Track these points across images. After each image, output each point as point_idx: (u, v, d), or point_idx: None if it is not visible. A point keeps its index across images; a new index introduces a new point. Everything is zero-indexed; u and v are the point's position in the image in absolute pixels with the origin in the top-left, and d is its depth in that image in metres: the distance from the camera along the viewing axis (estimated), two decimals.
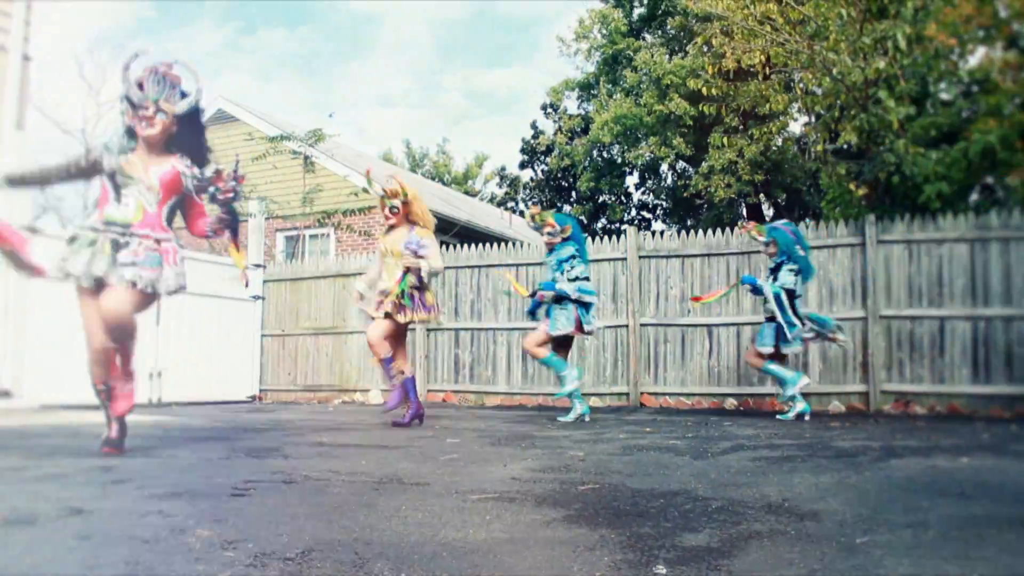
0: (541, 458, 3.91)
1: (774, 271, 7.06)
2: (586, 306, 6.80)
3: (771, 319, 7.03)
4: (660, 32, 21.43)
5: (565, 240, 6.96)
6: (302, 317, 11.17)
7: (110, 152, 4.00)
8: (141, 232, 3.90)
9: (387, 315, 6.05)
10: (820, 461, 3.80)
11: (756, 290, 7.09)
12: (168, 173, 3.95)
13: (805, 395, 8.44)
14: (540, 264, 9.90)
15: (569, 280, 6.76)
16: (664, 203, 24.11)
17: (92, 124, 37.91)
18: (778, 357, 7.13)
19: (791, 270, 6.98)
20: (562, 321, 6.74)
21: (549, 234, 7.00)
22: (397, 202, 6.31)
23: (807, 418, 6.92)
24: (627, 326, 9.30)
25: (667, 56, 19.19)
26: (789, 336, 6.93)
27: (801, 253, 7.09)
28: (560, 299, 6.77)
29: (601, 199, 24.06)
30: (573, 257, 6.86)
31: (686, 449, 4.38)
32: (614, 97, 20.23)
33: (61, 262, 3.94)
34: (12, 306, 7.80)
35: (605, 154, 22.69)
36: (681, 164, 21.85)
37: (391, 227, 6.39)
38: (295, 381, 11.23)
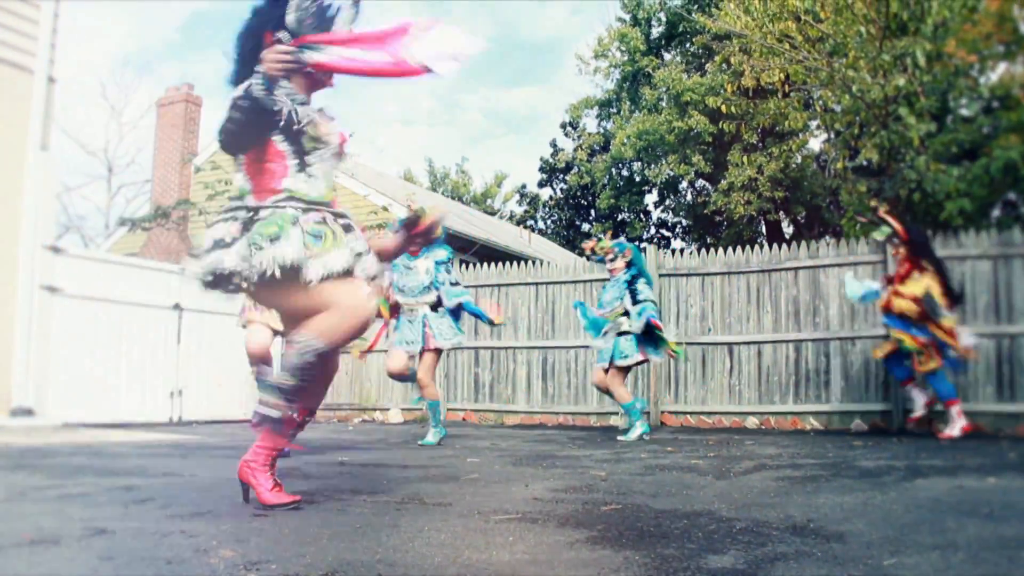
0: (563, 478, 3.89)
1: (630, 284, 6.91)
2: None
3: (625, 332, 6.82)
4: (679, 50, 21.46)
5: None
6: None
7: (296, 103, 2.88)
8: (337, 211, 2.99)
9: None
10: (844, 481, 3.76)
11: (595, 325, 7.00)
12: (341, 136, 3.07)
13: (828, 413, 8.38)
14: (559, 283, 9.90)
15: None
16: (684, 221, 24.08)
17: (115, 144, 38.39)
18: (623, 371, 6.92)
19: (647, 283, 6.96)
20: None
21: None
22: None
23: (646, 438, 6.82)
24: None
25: (685, 74, 19.21)
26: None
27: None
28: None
29: (620, 217, 24.05)
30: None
31: (708, 469, 4.34)
32: (635, 115, 20.26)
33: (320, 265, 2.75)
34: (35, 324, 7.88)
35: (625, 171, 22.71)
36: (700, 182, 21.82)
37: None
38: None
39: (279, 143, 2.85)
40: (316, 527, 2.49)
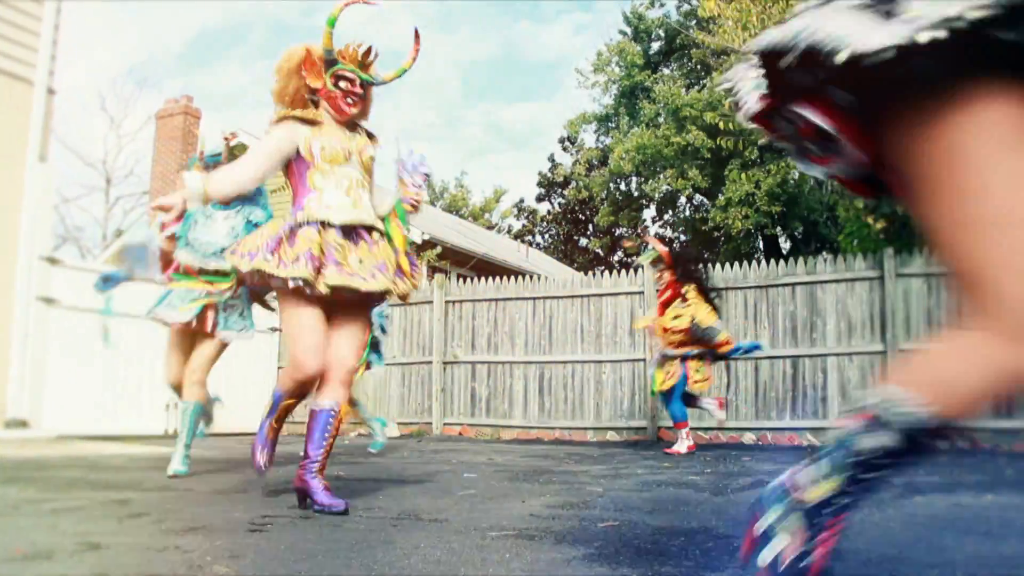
0: (560, 494, 3.88)
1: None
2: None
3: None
4: (677, 65, 21.54)
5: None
6: None
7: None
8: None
9: None
10: None
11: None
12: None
13: (825, 429, 8.37)
14: (557, 298, 9.90)
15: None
16: (681, 236, 24.11)
17: (113, 156, 38.43)
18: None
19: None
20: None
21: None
22: None
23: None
24: (644, 360, 9.26)
25: (684, 89, 19.28)
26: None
27: None
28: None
29: (618, 232, 24.08)
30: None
31: (705, 485, 4.33)
32: (633, 130, 20.32)
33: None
34: (31, 335, 7.86)
35: (623, 186, 22.76)
36: (698, 197, 21.86)
37: None
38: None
39: None
40: (311, 543, 2.48)
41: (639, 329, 7.96)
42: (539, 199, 29.47)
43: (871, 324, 8.43)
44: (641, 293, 9.44)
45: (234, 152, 4.63)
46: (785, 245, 20.23)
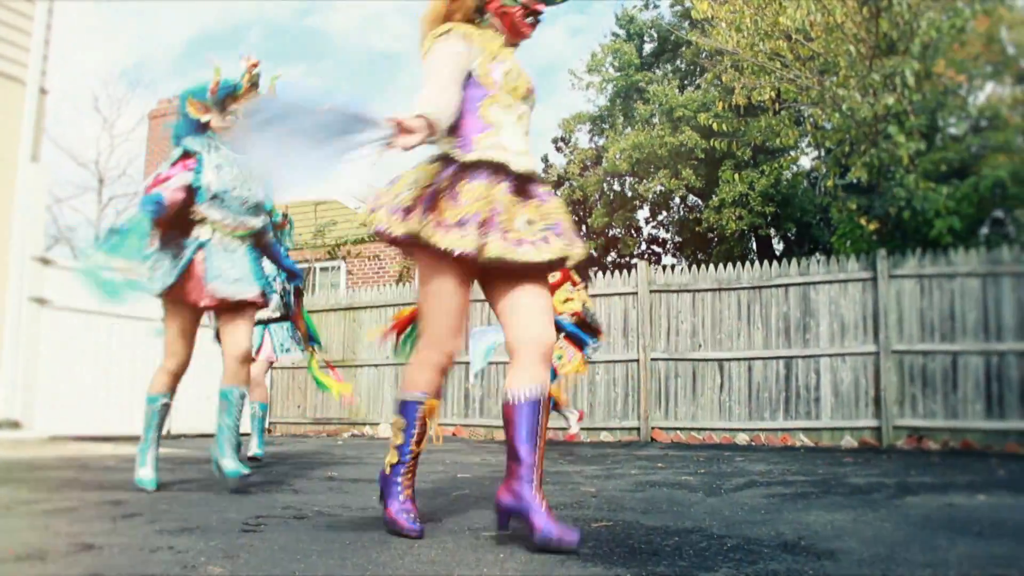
0: (553, 494, 3.88)
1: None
2: None
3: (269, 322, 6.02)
4: (671, 65, 21.57)
5: None
6: None
7: None
8: None
9: None
10: (835, 498, 3.76)
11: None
12: None
13: (818, 430, 8.41)
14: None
15: None
16: (675, 237, 24.13)
17: (106, 156, 38.34)
18: None
19: None
20: None
21: None
22: None
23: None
24: (638, 361, 9.27)
25: (678, 89, 19.30)
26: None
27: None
28: None
29: (612, 233, 24.09)
30: None
31: (699, 485, 4.34)
32: (627, 130, 20.33)
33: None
34: (23, 336, 7.83)
35: (617, 187, 22.75)
36: (692, 198, 21.88)
37: None
38: (304, 414, 11.22)
39: None
40: (305, 543, 2.47)
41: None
42: None
43: (864, 325, 8.45)
44: (635, 294, 9.45)
45: (255, 83, 3.91)
46: (778, 246, 20.26)
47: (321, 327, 11.17)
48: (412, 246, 2.48)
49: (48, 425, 7.87)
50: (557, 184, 27.89)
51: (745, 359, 8.89)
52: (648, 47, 22.21)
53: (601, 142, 23.67)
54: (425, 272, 2.57)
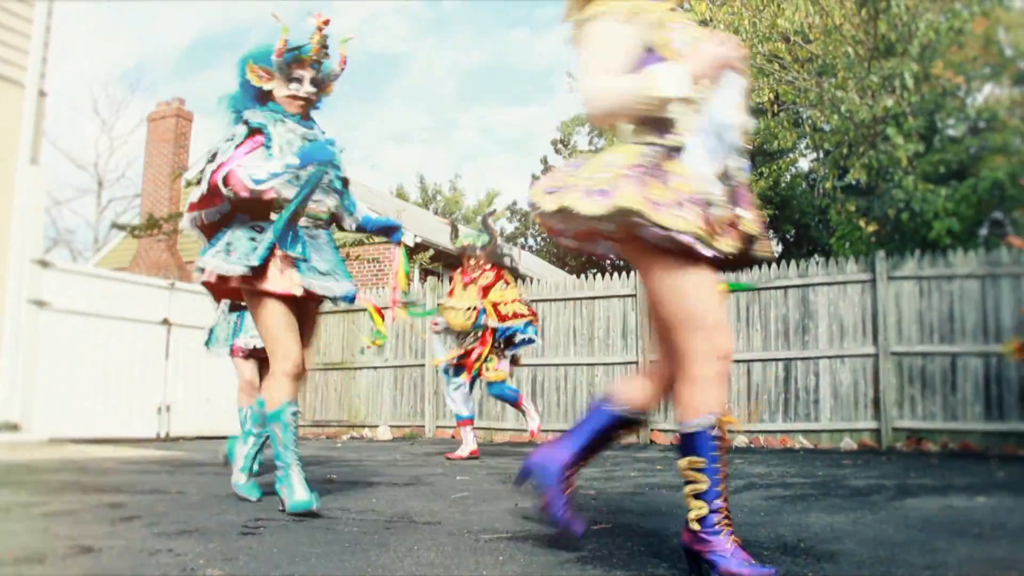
0: None
1: None
2: None
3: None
4: None
5: None
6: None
7: None
8: None
9: None
10: (834, 500, 3.76)
11: None
12: None
13: (817, 432, 8.40)
14: (550, 300, 9.90)
15: None
16: None
17: (105, 158, 38.32)
18: None
19: None
20: None
21: None
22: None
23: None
24: (637, 363, 9.27)
25: None
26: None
27: None
28: None
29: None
30: None
31: None
32: None
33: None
34: (23, 338, 7.83)
35: None
36: None
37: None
38: (304, 416, 11.20)
39: None
40: (305, 545, 2.47)
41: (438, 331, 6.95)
42: None
43: (863, 327, 8.45)
44: (634, 296, 9.45)
45: (324, 45, 3.40)
46: (777, 248, 20.27)
47: (320, 329, 11.17)
48: (627, 234, 2.05)
49: (47, 427, 7.87)
50: None
51: (744, 361, 8.89)
52: None
53: (600, 144, 23.66)
54: (653, 266, 2.13)
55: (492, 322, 6.57)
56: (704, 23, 11.57)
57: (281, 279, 3.21)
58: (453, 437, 9.99)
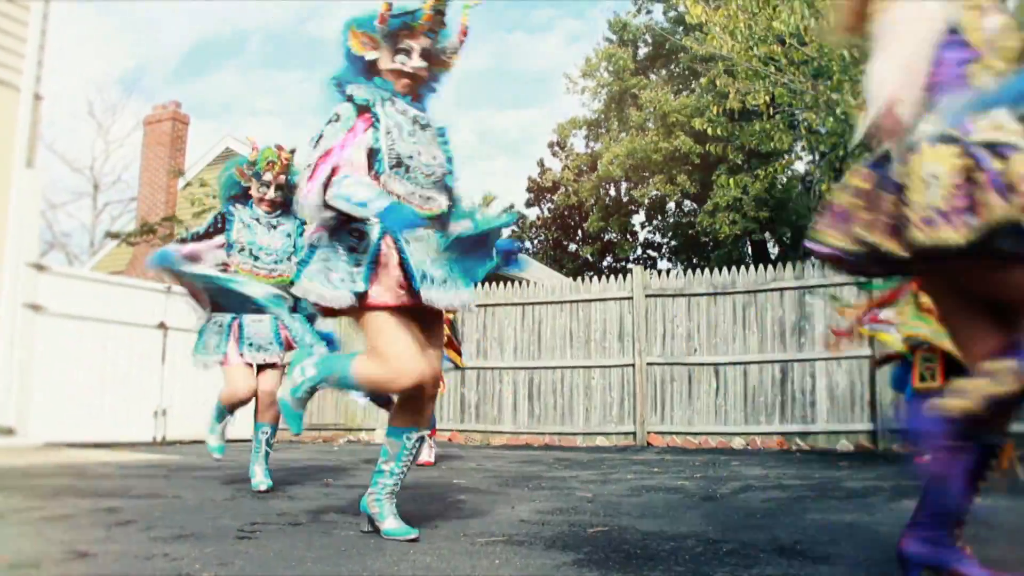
0: (549, 499, 3.88)
1: None
2: None
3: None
4: (665, 70, 21.62)
5: None
6: None
7: None
8: None
9: None
10: (831, 502, 3.76)
11: None
12: None
13: (814, 434, 8.40)
14: (546, 303, 9.90)
15: None
16: (670, 241, 24.16)
17: (101, 162, 38.28)
18: None
19: None
20: None
21: None
22: None
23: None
24: (633, 365, 9.27)
25: (672, 94, 19.35)
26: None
27: None
28: None
29: (607, 238, 24.12)
30: None
31: (695, 490, 4.34)
32: (622, 136, 20.39)
33: None
34: (18, 342, 7.81)
35: (613, 192, 22.78)
36: (687, 203, 21.92)
37: None
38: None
39: None
40: (301, 549, 2.47)
41: None
42: (528, 204, 29.44)
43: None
44: (630, 298, 9.45)
45: (440, 11, 2.93)
46: (773, 250, 20.30)
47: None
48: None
49: (42, 432, 7.85)
50: (553, 189, 27.92)
51: (740, 363, 8.89)
52: (642, 51, 22.26)
53: (596, 147, 23.69)
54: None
55: None
56: (699, 26, 11.60)
57: (393, 290, 2.66)
58: (450, 440, 9.99)
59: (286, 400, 2.81)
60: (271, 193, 4.35)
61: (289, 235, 4.42)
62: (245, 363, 4.34)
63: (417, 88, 2.91)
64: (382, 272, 2.64)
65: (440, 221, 2.87)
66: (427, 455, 6.30)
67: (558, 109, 54.81)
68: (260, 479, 4.25)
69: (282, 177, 4.35)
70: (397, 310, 2.67)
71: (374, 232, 2.66)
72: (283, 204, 4.36)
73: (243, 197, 4.45)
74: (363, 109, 2.77)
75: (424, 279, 2.65)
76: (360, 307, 2.65)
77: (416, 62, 2.83)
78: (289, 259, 4.37)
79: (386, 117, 2.77)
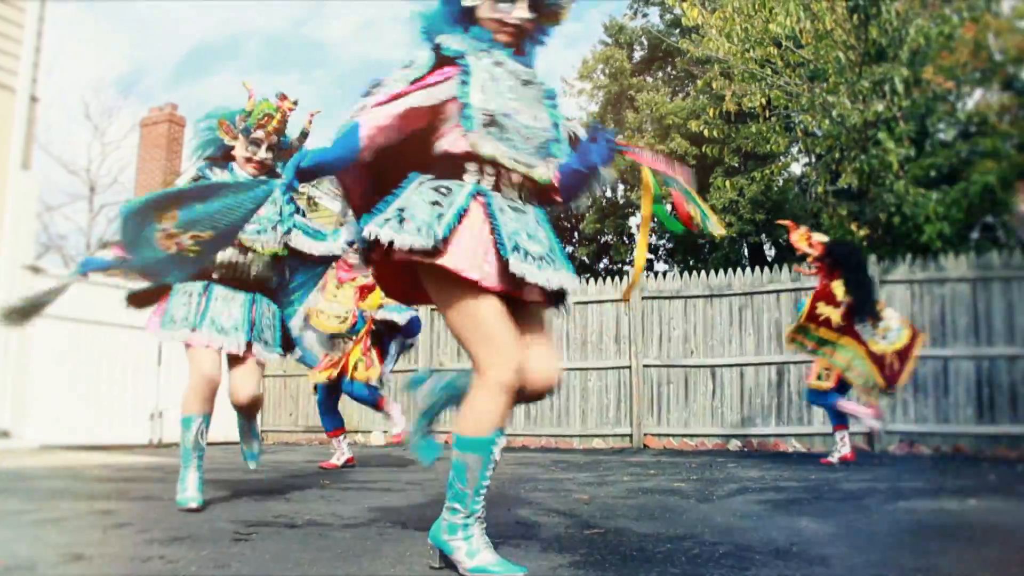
0: (545, 501, 3.87)
1: None
2: None
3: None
4: (661, 73, 21.64)
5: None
6: None
7: None
8: None
9: None
10: (827, 504, 3.76)
11: None
12: None
13: (810, 436, 8.41)
14: None
15: None
16: (666, 243, 24.17)
17: (97, 164, 38.22)
18: None
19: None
20: None
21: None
22: None
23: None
24: (630, 367, 9.27)
25: (668, 97, 19.37)
26: None
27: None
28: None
29: (603, 240, 24.13)
30: None
31: (691, 492, 4.34)
32: (618, 137, 20.36)
33: None
34: (14, 345, 7.79)
35: (609, 194, 22.78)
36: None
37: None
38: (296, 422, 11.18)
39: None
40: (297, 552, 2.47)
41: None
42: None
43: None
44: (627, 300, 9.45)
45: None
46: (770, 252, 20.30)
47: None
48: None
49: (38, 434, 7.83)
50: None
51: (737, 365, 8.90)
52: (638, 54, 22.28)
53: None
54: None
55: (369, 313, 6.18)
56: (696, 28, 11.61)
57: (478, 258, 2.21)
58: (447, 443, 9.95)
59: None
60: (261, 153, 3.64)
61: (275, 202, 3.64)
62: (204, 346, 3.72)
63: (520, 40, 2.49)
64: (466, 233, 2.21)
65: (541, 189, 2.46)
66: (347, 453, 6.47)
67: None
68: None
69: (274, 137, 3.66)
70: (485, 289, 2.23)
71: (464, 190, 2.28)
72: (271, 168, 3.69)
73: (223, 158, 3.75)
74: (449, 60, 2.37)
75: (516, 250, 2.23)
76: (438, 272, 2.21)
77: (522, 12, 2.41)
78: (274, 228, 3.72)
79: (480, 71, 2.35)
